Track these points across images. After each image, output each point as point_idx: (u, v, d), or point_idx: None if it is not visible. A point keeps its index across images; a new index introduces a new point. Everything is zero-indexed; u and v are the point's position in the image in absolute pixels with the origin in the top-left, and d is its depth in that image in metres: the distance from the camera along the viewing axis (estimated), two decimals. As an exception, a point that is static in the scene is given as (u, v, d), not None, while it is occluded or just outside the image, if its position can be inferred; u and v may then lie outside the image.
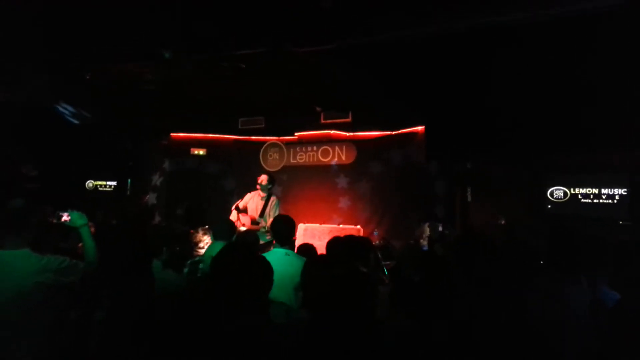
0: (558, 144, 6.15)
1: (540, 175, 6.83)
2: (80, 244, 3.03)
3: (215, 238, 4.10)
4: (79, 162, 8.95)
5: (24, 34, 5.27)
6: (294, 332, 1.92)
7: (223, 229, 4.13)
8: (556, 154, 6.46)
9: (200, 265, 3.44)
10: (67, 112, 7.95)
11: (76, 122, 8.19)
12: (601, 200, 6.42)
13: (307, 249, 3.81)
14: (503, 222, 6.44)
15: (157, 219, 8.53)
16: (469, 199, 7.10)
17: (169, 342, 1.76)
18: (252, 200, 6.37)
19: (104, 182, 9.65)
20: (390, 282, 3.72)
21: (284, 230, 3.61)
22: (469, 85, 5.89)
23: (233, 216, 6.09)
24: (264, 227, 5.96)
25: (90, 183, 9.65)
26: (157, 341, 1.86)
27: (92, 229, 3.02)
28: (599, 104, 5.45)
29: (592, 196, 6.49)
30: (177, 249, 3.36)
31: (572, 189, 6.61)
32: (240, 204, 6.26)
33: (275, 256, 3.20)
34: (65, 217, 2.86)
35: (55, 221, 2.92)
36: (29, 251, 2.52)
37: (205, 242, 4.17)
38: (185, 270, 3.39)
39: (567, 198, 6.62)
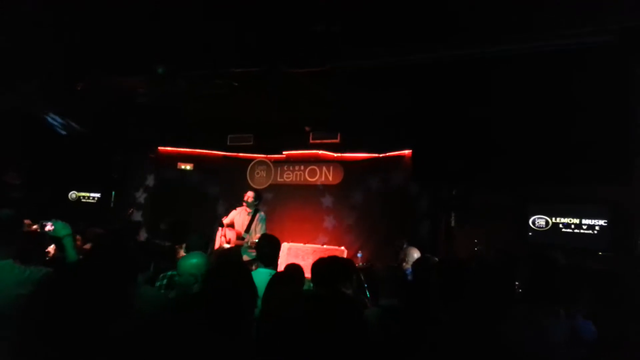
0: (541, 173, 6.26)
1: (523, 204, 6.93)
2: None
3: (187, 251, 4.01)
4: (63, 172, 8.84)
5: (17, 42, 5.27)
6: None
7: (196, 242, 4.05)
8: (539, 183, 6.57)
9: (176, 278, 3.37)
10: (55, 123, 7.91)
11: (64, 133, 8.14)
12: (582, 231, 6.53)
13: (294, 269, 3.80)
14: (477, 249, 6.52)
15: (144, 234, 8.44)
16: (453, 224, 7.17)
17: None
18: (239, 216, 6.37)
19: (87, 194, 9.53)
20: (371, 304, 3.73)
21: (269, 250, 3.61)
22: (455, 113, 6.01)
23: (220, 232, 6.07)
24: (247, 243, 5.96)
25: (73, 194, 9.53)
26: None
27: (79, 242, 2.99)
28: (585, 135, 5.59)
29: (573, 226, 6.59)
30: (162, 265, 3.33)
31: (553, 218, 6.72)
32: (227, 219, 6.26)
33: (260, 277, 3.19)
34: (48, 226, 2.83)
35: (38, 230, 2.89)
36: (12, 262, 2.48)
37: (186, 257, 4.12)
38: (158, 283, 3.33)
39: (548, 227, 6.72)
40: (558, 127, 5.69)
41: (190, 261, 2.91)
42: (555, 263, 2.80)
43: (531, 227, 6.81)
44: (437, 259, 4.47)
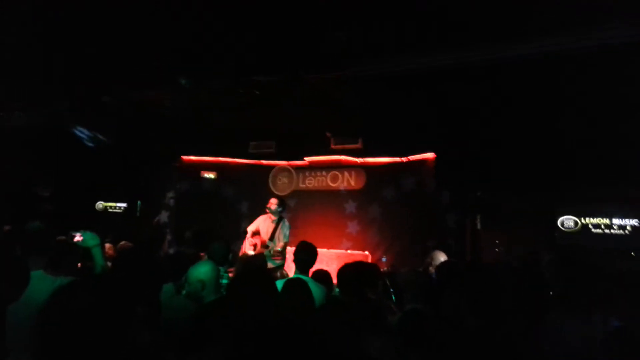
0: (570, 173, 6.13)
1: (551, 205, 6.79)
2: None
3: (209, 258, 4.00)
4: (90, 183, 9.05)
5: (44, 58, 5.42)
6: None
7: (217, 250, 4.03)
8: (568, 184, 6.43)
9: (185, 286, 3.37)
10: (83, 136, 8.11)
11: (92, 145, 8.34)
12: (612, 231, 6.36)
13: (323, 276, 3.80)
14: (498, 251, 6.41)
15: (168, 237, 8.55)
16: (479, 227, 7.06)
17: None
18: (264, 224, 6.39)
19: (114, 204, 9.73)
20: (397, 310, 3.69)
21: (305, 257, 3.62)
22: (481, 114, 5.93)
23: (248, 239, 6.14)
24: (270, 251, 5.98)
25: (100, 204, 9.73)
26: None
27: (111, 251, 3.03)
28: (614, 136, 5.47)
29: (603, 226, 6.43)
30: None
31: (582, 219, 6.56)
32: (252, 226, 6.30)
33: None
34: (77, 237, 2.89)
35: (68, 241, 2.95)
36: (43, 272, 2.54)
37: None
38: (184, 292, 3.35)
39: (577, 228, 6.57)
40: (587, 127, 5.58)
41: (199, 269, 2.90)
42: (586, 266, 2.72)
43: (559, 228, 6.66)
44: (457, 262, 4.42)
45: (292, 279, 3.32)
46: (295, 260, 3.69)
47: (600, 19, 3.82)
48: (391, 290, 4.44)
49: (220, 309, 2.29)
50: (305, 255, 3.64)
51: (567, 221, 6.63)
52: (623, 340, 2.34)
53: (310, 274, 3.80)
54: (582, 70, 4.62)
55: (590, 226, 6.51)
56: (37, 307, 2.41)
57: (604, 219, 6.43)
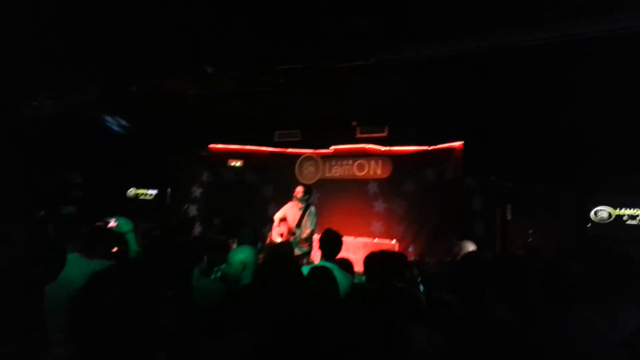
0: (604, 163, 5.95)
1: (584, 195, 6.61)
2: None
3: (239, 244, 4.11)
4: (121, 171, 9.26)
5: (74, 50, 5.53)
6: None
7: (246, 237, 4.17)
8: (602, 173, 6.24)
9: (225, 269, 3.45)
10: (113, 124, 8.29)
11: (121, 131, 8.52)
12: (648, 222, 6.16)
13: (345, 264, 3.80)
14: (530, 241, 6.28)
15: (198, 229, 8.71)
16: (509, 217, 6.93)
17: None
18: (291, 211, 6.45)
19: (144, 191, 9.93)
20: (425, 299, 3.67)
21: (331, 245, 3.64)
22: (509, 102, 5.80)
23: (275, 226, 6.22)
24: (296, 238, 6.03)
25: (132, 191, 9.95)
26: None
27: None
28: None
29: (638, 218, 6.23)
30: (216, 258, 3.42)
31: (617, 209, 6.37)
32: (280, 213, 6.38)
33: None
34: (112, 223, 2.97)
35: (102, 227, 3.03)
36: (79, 256, 2.62)
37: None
38: (212, 277, 3.42)
39: (611, 219, 6.38)
40: (620, 115, 5.40)
41: (240, 252, 2.99)
42: (620, 257, 2.64)
43: (592, 219, 6.48)
44: (479, 253, 4.37)
45: (317, 267, 3.34)
46: (321, 248, 3.71)
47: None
48: (418, 280, 4.42)
49: (248, 294, 2.32)
50: (331, 243, 3.66)
51: (601, 212, 6.45)
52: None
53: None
54: (615, 57, 4.46)
55: (624, 217, 6.32)
56: (73, 289, 2.49)
57: (639, 210, 6.23)
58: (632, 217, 6.27)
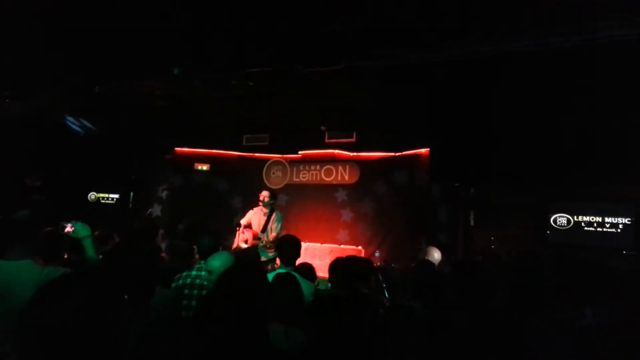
0: (564, 171, 6.15)
1: (543, 202, 6.81)
2: None
3: (198, 252, 3.96)
4: (82, 174, 8.98)
5: (36, 46, 5.34)
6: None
7: (206, 244, 3.93)
8: (561, 181, 6.45)
9: (205, 276, 3.34)
10: (74, 126, 8.03)
11: (83, 135, 8.27)
12: (605, 229, 6.39)
13: (306, 269, 3.78)
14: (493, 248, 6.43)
15: (161, 232, 8.51)
16: (472, 223, 7.08)
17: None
18: (256, 216, 6.37)
19: (106, 195, 9.65)
20: (390, 305, 3.69)
21: (289, 250, 3.59)
22: (474, 111, 5.93)
23: (238, 232, 6.10)
24: (263, 243, 5.95)
25: (92, 195, 9.65)
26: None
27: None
28: (606, 134, 5.48)
29: (595, 224, 6.46)
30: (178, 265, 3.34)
31: (575, 217, 6.59)
32: (244, 220, 6.26)
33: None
34: (68, 228, 2.85)
35: (55, 231, 2.91)
36: (32, 262, 2.51)
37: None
38: (174, 284, 3.33)
39: (570, 225, 6.60)
40: (581, 125, 5.58)
41: (219, 258, 2.94)
42: (579, 263, 2.72)
43: (552, 225, 6.68)
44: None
45: (282, 274, 3.31)
46: (280, 254, 3.67)
47: (600, 14, 3.81)
48: (384, 285, 4.44)
49: (211, 301, 2.27)
50: (288, 248, 3.62)
51: (560, 219, 6.65)
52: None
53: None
54: (578, 67, 4.61)
55: (582, 224, 6.54)
56: (23, 297, 2.38)
57: (597, 217, 6.46)
58: (589, 223, 6.50)
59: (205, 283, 3.19)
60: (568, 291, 2.54)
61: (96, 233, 2.98)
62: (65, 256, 2.95)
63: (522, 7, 3.97)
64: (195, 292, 3.29)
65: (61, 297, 1.27)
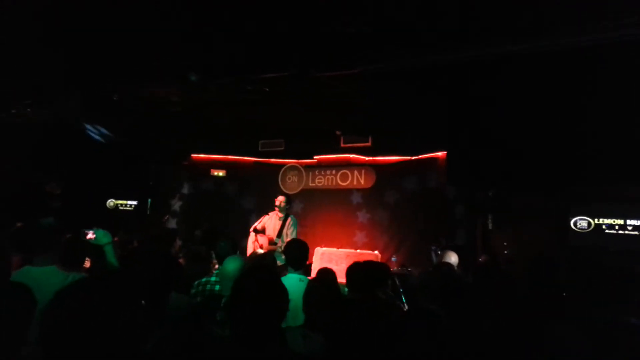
0: (583, 173, 6.04)
1: (563, 205, 6.69)
2: None
3: (216, 257, 3.99)
4: (101, 181, 9.10)
5: (53, 54, 5.44)
6: None
7: (224, 249, 3.92)
8: (581, 183, 6.34)
9: (216, 286, 3.37)
10: (93, 133, 8.16)
11: (102, 142, 8.39)
12: (627, 232, 6.26)
13: (326, 273, 3.77)
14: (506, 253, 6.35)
15: (179, 242, 8.58)
16: (490, 227, 6.99)
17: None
18: (271, 221, 6.41)
19: (124, 202, 9.78)
20: (409, 309, 3.66)
21: (297, 254, 3.60)
22: (492, 113, 5.87)
23: (251, 237, 6.11)
24: (279, 248, 5.98)
25: (111, 202, 9.79)
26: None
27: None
28: (629, 135, 5.38)
29: (617, 227, 6.33)
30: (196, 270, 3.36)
31: (596, 219, 6.46)
32: (259, 225, 6.29)
33: (290, 281, 3.17)
34: (90, 234, 2.91)
35: (77, 238, 2.96)
36: (57, 268, 2.56)
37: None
38: (193, 290, 3.35)
39: (591, 228, 6.47)
40: (601, 126, 5.49)
41: (233, 263, 2.94)
42: (601, 267, 2.67)
43: (572, 228, 6.57)
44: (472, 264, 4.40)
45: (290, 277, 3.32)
46: (287, 258, 3.68)
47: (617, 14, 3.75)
48: (401, 290, 4.42)
49: (226, 306, 2.28)
50: (294, 251, 3.63)
51: (581, 221, 6.53)
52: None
53: (314, 271, 3.79)
54: (596, 67, 4.54)
55: (603, 226, 6.41)
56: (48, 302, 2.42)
57: (619, 220, 6.33)
58: (610, 226, 6.37)
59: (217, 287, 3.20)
60: (588, 295, 2.49)
61: (115, 239, 3.02)
62: (87, 263, 3.00)
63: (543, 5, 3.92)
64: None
65: (79, 299, 1.29)
